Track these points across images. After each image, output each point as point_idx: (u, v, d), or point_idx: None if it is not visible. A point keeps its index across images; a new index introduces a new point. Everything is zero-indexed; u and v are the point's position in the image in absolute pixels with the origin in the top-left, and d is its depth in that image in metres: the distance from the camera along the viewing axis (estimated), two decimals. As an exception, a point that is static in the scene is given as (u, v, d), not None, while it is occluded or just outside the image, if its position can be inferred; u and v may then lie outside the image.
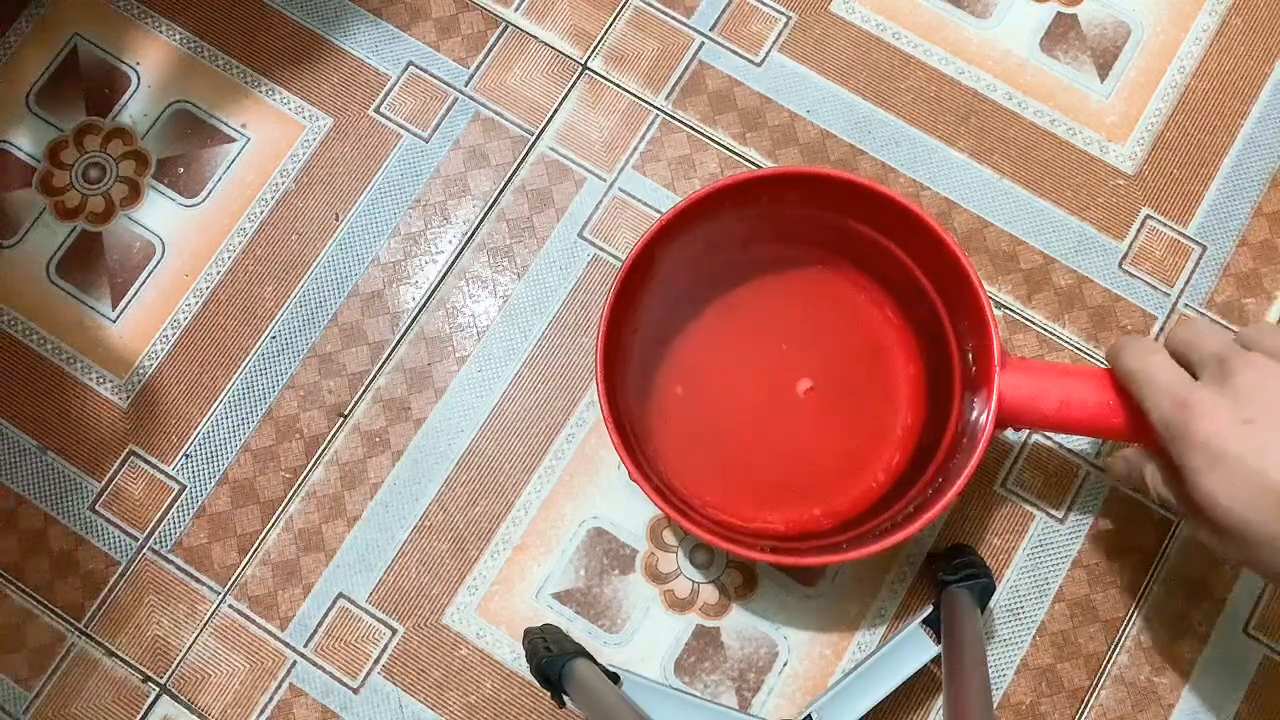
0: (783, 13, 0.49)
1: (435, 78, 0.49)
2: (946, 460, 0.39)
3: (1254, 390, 0.31)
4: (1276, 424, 0.30)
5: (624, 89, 0.48)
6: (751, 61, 0.49)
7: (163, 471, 0.45)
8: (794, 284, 0.44)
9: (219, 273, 0.47)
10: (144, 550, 0.44)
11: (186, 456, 0.45)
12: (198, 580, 0.44)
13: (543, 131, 0.48)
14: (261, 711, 0.43)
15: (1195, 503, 0.32)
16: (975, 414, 0.38)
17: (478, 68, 0.49)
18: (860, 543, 0.37)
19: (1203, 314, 0.46)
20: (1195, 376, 0.33)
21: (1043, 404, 0.36)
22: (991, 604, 0.43)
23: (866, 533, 0.39)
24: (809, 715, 0.40)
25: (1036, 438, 0.45)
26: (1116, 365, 0.35)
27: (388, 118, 0.48)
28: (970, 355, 0.39)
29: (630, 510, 0.44)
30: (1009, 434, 0.45)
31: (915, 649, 0.40)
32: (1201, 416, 0.31)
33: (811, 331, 0.44)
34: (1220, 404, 0.31)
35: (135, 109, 0.48)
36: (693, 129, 0.48)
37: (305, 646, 0.44)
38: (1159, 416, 0.33)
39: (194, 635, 0.44)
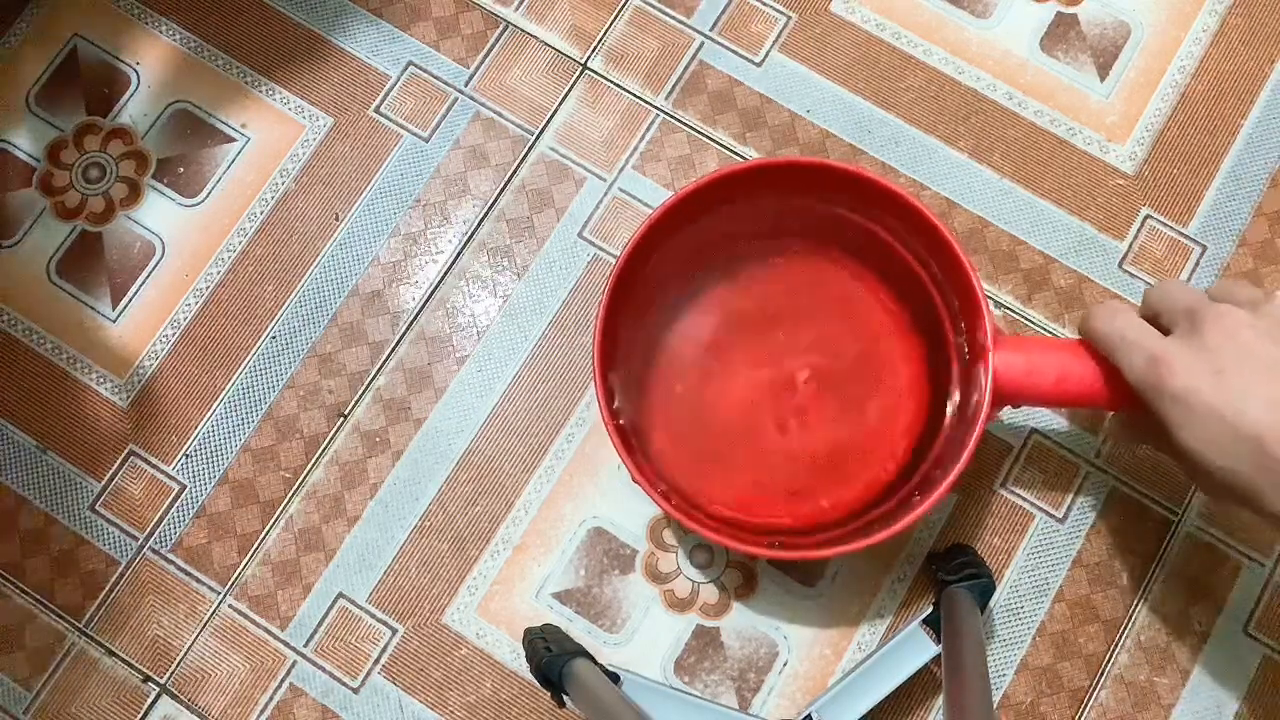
0: (783, 13, 0.49)
1: (435, 78, 0.49)
2: (948, 442, 0.39)
3: (1224, 341, 0.31)
4: (1246, 373, 0.31)
5: (624, 89, 0.48)
6: (751, 61, 0.49)
7: (163, 471, 0.45)
8: (788, 275, 0.44)
9: (219, 273, 0.47)
10: (144, 550, 0.44)
11: (186, 456, 0.45)
12: (198, 580, 0.44)
13: (543, 131, 0.48)
14: (261, 711, 0.43)
15: (1180, 457, 0.33)
16: (973, 393, 0.38)
17: (478, 68, 0.49)
18: (867, 531, 0.37)
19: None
20: (1168, 334, 0.34)
21: (1039, 379, 0.36)
22: (991, 604, 0.43)
23: (873, 521, 0.39)
24: (809, 715, 0.40)
25: (1036, 437, 0.45)
26: (1088, 330, 0.36)
27: (388, 118, 0.48)
28: (965, 336, 0.39)
29: (630, 510, 0.44)
30: (1009, 414, 0.45)
31: (915, 649, 0.40)
32: (1173, 371, 0.32)
33: (808, 322, 0.44)
34: (1191, 357, 0.32)
35: (135, 109, 0.48)
36: (693, 129, 0.48)
37: (305, 646, 0.44)
38: (1133, 375, 0.33)
39: (194, 635, 0.44)
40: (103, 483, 0.45)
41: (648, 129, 0.48)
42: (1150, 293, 0.36)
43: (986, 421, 0.36)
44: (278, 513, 0.45)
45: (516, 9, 0.49)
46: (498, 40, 0.49)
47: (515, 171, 0.48)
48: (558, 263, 0.47)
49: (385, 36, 0.49)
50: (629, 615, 0.44)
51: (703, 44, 0.49)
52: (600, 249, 0.47)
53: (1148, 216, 0.47)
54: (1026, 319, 0.46)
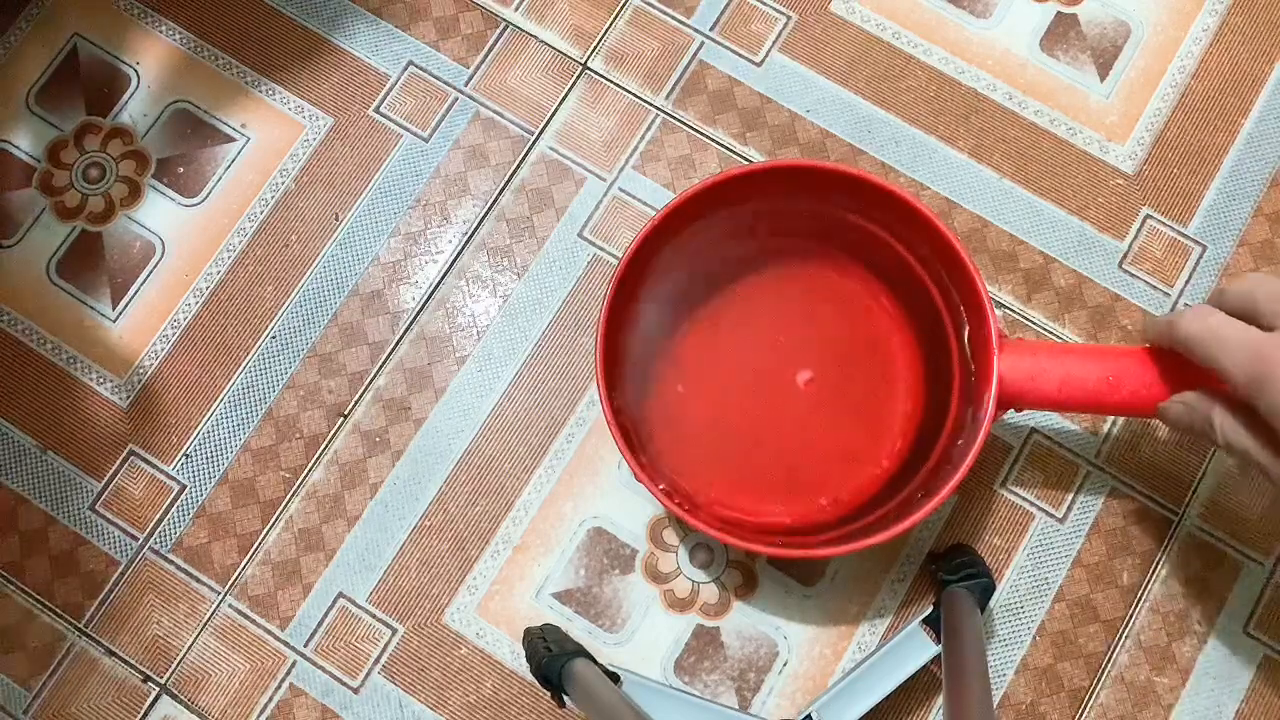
0: (783, 13, 0.49)
1: (435, 77, 0.49)
2: (950, 444, 0.39)
3: None
4: None
5: (624, 89, 0.48)
6: (751, 61, 0.48)
7: (163, 471, 0.45)
8: (789, 277, 0.44)
9: (219, 273, 0.47)
10: (144, 550, 0.44)
11: (186, 456, 0.45)
12: (198, 580, 0.44)
13: (543, 131, 0.48)
14: (261, 711, 0.43)
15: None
16: (977, 397, 0.38)
17: (478, 67, 0.49)
18: (869, 531, 0.37)
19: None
20: (1262, 328, 0.33)
21: (1043, 383, 0.36)
22: (991, 604, 0.43)
23: (874, 521, 0.39)
24: (809, 715, 0.40)
25: (1037, 437, 0.45)
26: (1175, 333, 0.35)
27: (388, 117, 0.48)
28: (968, 339, 0.39)
29: (630, 510, 0.44)
30: (1011, 416, 0.45)
31: (915, 648, 0.40)
32: None
33: (808, 323, 0.44)
34: None
35: (135, 109, 0.48)
36: (693, 129, 0.48)
37: (305, 646, 0.44)
38: (1239, 372, 0.32)
39: (194, 635, 0.44)
40: (103, 483, 0.45)
41: (648, 129, 0.48)
42: (1233, 292, 0.35)
43: (990, 424, 0.36)
44: (278, 513, 0.45)
45: (516, 9, 0.49)
46: (498, 40, 0.49)
47: (515, 171, 0.48)
48: (558, 263, 0.47)
49: (385, 36, 0.49)
50: (629, 615, 0.44)
51: (703, 44, 0.49)
52: (600, 249, 0.47)
53: (1148, 216, 0.47)
54: (1026, 319, 0.46)
